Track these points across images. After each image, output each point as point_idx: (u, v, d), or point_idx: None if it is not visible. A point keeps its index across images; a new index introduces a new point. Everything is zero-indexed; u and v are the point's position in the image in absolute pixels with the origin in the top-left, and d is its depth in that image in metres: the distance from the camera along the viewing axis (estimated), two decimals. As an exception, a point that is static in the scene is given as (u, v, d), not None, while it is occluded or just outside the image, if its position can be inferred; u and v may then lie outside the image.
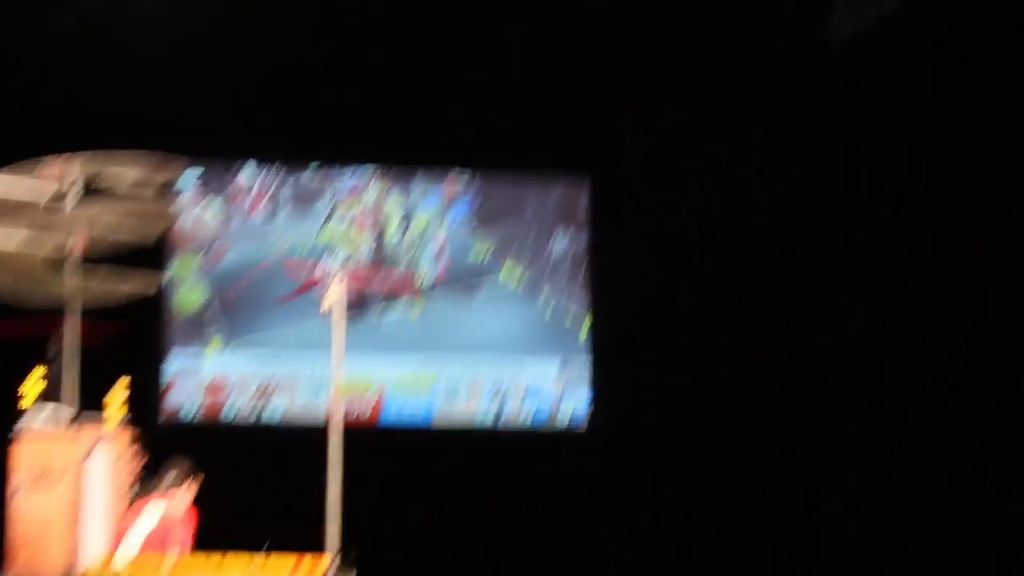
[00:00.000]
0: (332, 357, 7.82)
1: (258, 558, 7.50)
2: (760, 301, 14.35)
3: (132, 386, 12.49)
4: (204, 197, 14.35)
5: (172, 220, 7.67)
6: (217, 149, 14.03)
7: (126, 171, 7.32)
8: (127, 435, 7.10)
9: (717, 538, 14.14)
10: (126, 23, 12.94)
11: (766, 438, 14.13)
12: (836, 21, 13.95)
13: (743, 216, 14.46)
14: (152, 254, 13.37)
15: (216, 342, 14.19)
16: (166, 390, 13.96)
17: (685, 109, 14.29)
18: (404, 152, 14.51)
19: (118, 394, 7.25)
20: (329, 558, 7.18)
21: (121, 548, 7.23)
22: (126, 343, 12.27)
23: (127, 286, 7.68)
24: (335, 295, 7.69)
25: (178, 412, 13.95)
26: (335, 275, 7.89)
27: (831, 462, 13.97)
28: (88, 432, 6.99)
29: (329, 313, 7.75)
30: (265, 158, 14.45)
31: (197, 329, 14.17)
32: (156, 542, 7.56)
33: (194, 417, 13.94)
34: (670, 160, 14.46)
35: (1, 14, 12.65)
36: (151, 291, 7.82)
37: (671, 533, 14.12)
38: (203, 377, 14.11)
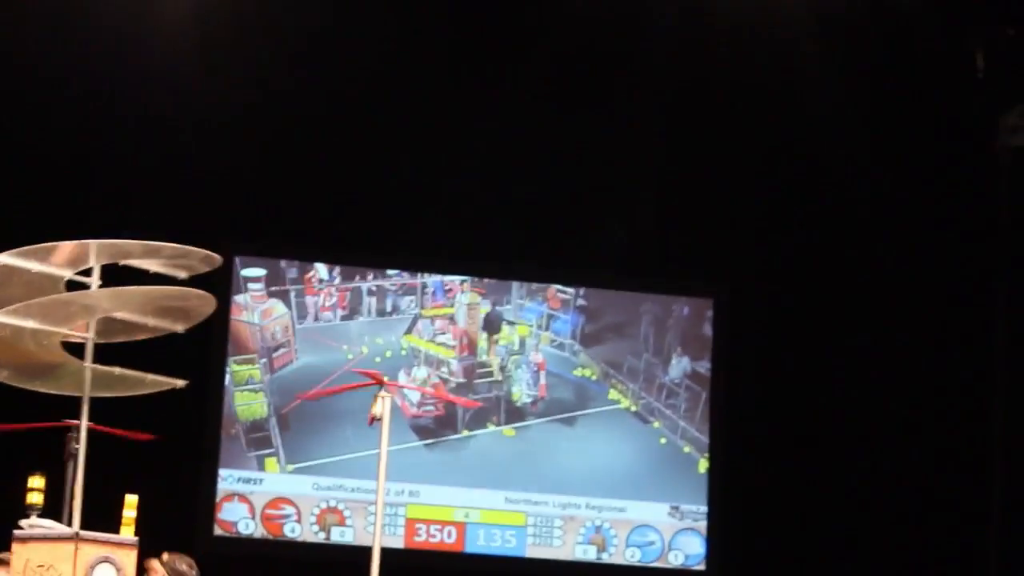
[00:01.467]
0: (379, 474, 7.86)
1: None
2: (895, 443, 14.20)
3: (178, 503, 12.76)
4: (270, 299, 14.47)
5: (202, 315, 7.65)
6: (290, 248, 14.31)
7: (160, 259, 7.42)
8: (133, 553, 7.09)
9: None
10: (199, 111, 13.30)
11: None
12: (1002, 137, 14.01)
13: (882, 348, 14.40)
14: (212, 356, 13.75)
15: (274, 464, 14.26)
16: (220, 506, 14.02)
17: (822, 230, 14.39)
18: (501, 263, 14.72)
19: (129, 510, 7.26)
20: None
21: None
22: (178, 455, 12.51)
23: (149, 382, 7.73)
24: (381, 407, 7.71)
25: (234, 527, 14.02)
26: (385, 388, 7.88)
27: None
28: (95, 546, 7.01)
29: (375, 425, 7.78)
30: (341, 258, 14.61)
31: (257, 444, 14.25)
32: None
33: (251, 533, 13.99)
34: (805, 284, 14.51)
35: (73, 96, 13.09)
36: (178, 386, 7.84)
37: None
38: (261, 494, 14.15)
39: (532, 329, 14.87)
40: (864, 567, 14.09)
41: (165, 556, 8.20)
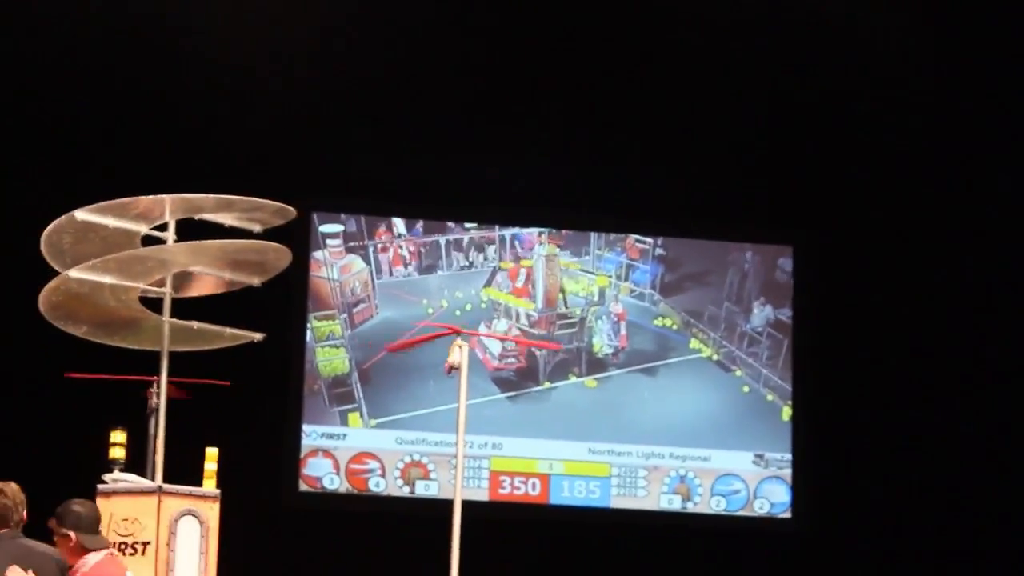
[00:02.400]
0: (458, 422, 7.81)
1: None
2: (977, 387, 14.08)
3: (263, 458, 12.80)
4: (348, 254, 14.45)
5: (278, 269, 7.64)
6: (368, 203, 14.28)
7: (229, 210, 7.43)
8: (216, 506, 7.12)
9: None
10: (277, 63, 13.28)
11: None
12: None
13: (962, 290, 14.26)
14: (293, 312, 13.78)
15: (357, 417, 14.26)
16: (304, 462, 14.02)
17: (901, 175, 14.25)
18: (581, 214, 14.63)
19: (211, 463, 7.29)
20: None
21: None
22: (260, 410, 12.55)
23: (228, 335, 7.76)
24: (458, 357, 7.65)
25: (319, 482, 14.04)
26: (462, 338, 7.82)
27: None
28: (178, 499, 7.05)
29: (453, 375, 7.73)
30: (419, 212, 14.55)
31: (339, 399, 14.23)
32: None
33: (336, 488, 14.00)
34: (885, 229, 14.37)
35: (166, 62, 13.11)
36: (255, 339, 7.86)
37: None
38: (345, 449, 14.12)
39: (611, 280, 14.77)
40: (950, 509, 13.95)
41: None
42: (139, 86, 12.92)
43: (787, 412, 14.65)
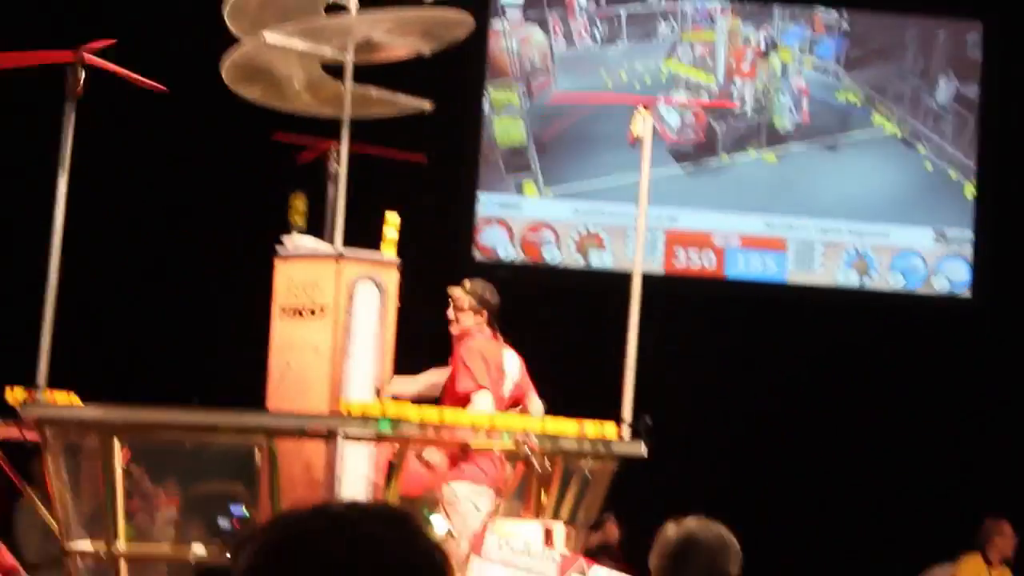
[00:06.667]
0: (640, 193, 7.70)
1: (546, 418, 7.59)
2: None
3: (437, 223, 12.82)
4: (527, 24, 14.33)
5: (456, 38, 7.55)
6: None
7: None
8: (395, 273, 7.11)
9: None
10: None
11: None
12: None
13: None
14: (467, 85, 13.71)
15: (534, 187, 14.26)
16: (479, 229, 14.13)
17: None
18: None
19: (391, 230, 7.26)
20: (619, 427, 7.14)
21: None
22: (439, 177, 12.53)
23: (402, 101, 7.72)
24: (641, 125, 7.50)
25: (493, 251, 14.13)
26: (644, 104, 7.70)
27: None
28: (357, 264, 7.05)
29: (634, 150, 7.62)
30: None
31: (516, 168, 14.23)
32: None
33: (511, 257, 14.09)
34: None
35: None
36: (425, 108, 7.81)
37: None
38: (521, 219, 14.21)
39: (795, 53, 14.52)
40: None
41: (467, 284, 8.23)
42: None
43: (970, 190, 14.35)
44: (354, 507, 1.80)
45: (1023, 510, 11.21)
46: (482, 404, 7.59)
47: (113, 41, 6.88)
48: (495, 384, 7.84)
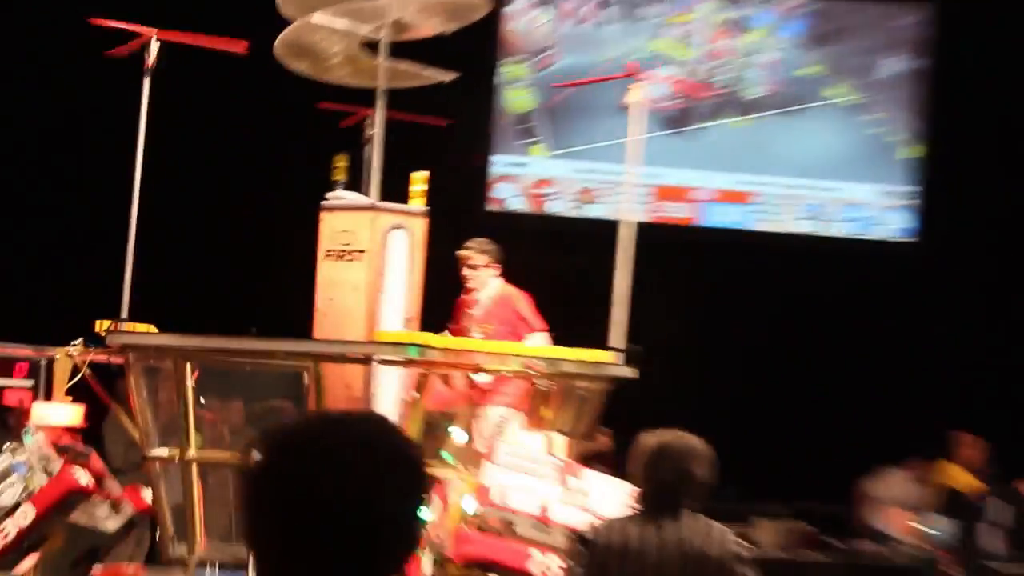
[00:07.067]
0: (629, 154, 7.71)
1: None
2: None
3: (461, 178, 12.79)
4: (535, 8, 14.25)
5: (476, 17, 7.53)
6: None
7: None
8: (423, 221, 7.13)
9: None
10: None
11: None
12: None
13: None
14: (482, 60, 13.65)
15: (540, 148, 14.20)
16: (491, 185, 14.12)
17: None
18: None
19: (419, 185, 7.27)
20: (611, 354, 7.14)
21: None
22: (456, 141, 12.51)
23: (428, 73, 7.71)
24: (634, 94, 7.49)
25: (503, 203, 14.11)
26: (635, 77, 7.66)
27: None
28: (390, 215, 7.06)
29: (628, 111, 7.59)
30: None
31: (523, 133, 14.21)
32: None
33: (519, 208, 14.07)
34: None
35: None
36: (446, 80, 7.80)
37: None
38: (528, 176, 14.19)
39: (763, 33, 14.42)
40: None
41: (475, 244, 8.17)
42: None
43: (916, 151, 14.30)
44: (348, 413, 1.88)
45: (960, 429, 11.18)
46: (541, 341, 7.61)
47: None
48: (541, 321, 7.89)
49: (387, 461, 1.78)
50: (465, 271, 8.02)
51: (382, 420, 1.86)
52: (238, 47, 7.14)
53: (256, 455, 1.81)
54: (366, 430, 1.80)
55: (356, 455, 1.76)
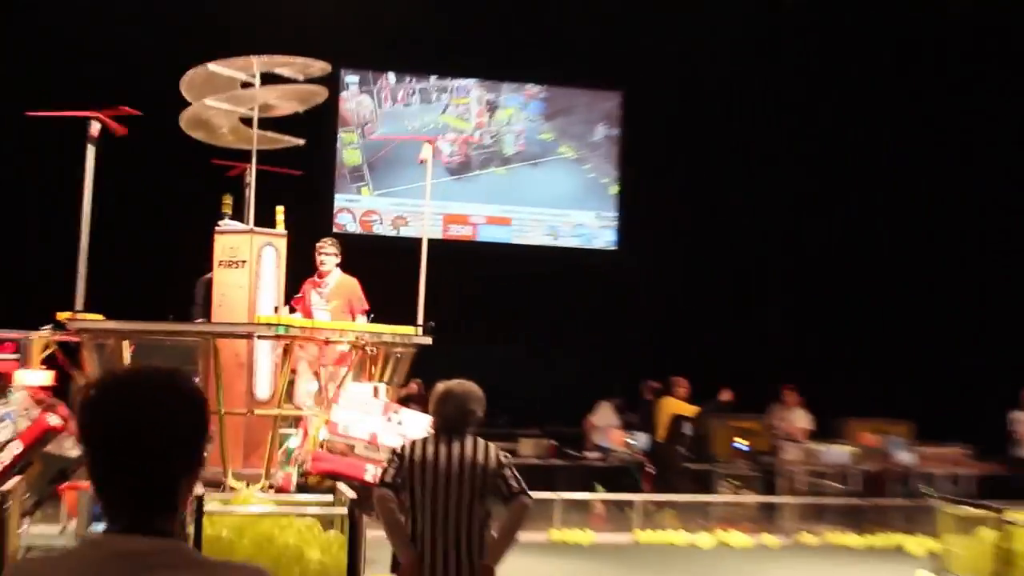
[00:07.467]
0: (426, 192, 7.78)
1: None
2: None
3: (311, 211, 12.58)
4: (361, 94, 14.14)
5: (319, 101, 7.45)
6: (369, 63, 13.88)
7: (290, 66, 7.26)
8: (284, 240, 7.06)
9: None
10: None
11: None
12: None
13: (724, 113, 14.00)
14: (327, 129, 13.48)
15: (367, 190, 14.12)
16: (336, 214, 13.98)
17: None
18: (497, 69, 14.24)
19: (281, 215, 7.20)
20: (416, 328, 7.21)
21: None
22: (311, 184, 12.33)
23: (287, 139, 7.63)
24: (427, 152, 7.57)
25: (344, 227, 13.93)
26: (429, 141, 7.72)
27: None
28: (262, 236, 7.01)
29: (424, 164, 7.66)
30: (403, 69, 14.18)
31: (356, 179, 14.09)
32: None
33: (354, 230, 13.87)
34: (689, 79, 13.82)
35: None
36: (301, 143, 7.70)
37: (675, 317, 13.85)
38: (359, 208, 14.02)
39: (514, 110, 14.56)
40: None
41: (330, 240, 7.96)
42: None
43: (615, 189, 14.60)
44: (158, 368, 1.73)
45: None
46: (364, 320, 7.53)
47: (137, 112, 6.62)
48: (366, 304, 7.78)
49: (180, 401, 1.68)
50: (321, 257, 7.79)
51: (181, 374, 1.73)
52: (122, 129, 6.85)
53: (91, 393, 1.70)
54: (168, 380, 1.70)
55: (158, 395, 1.67)
